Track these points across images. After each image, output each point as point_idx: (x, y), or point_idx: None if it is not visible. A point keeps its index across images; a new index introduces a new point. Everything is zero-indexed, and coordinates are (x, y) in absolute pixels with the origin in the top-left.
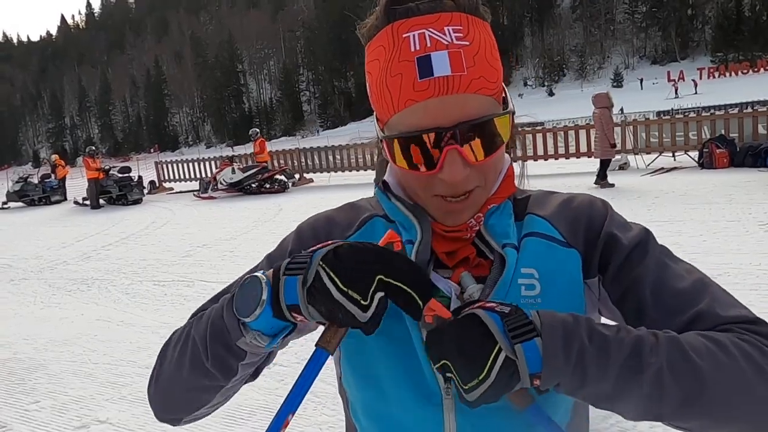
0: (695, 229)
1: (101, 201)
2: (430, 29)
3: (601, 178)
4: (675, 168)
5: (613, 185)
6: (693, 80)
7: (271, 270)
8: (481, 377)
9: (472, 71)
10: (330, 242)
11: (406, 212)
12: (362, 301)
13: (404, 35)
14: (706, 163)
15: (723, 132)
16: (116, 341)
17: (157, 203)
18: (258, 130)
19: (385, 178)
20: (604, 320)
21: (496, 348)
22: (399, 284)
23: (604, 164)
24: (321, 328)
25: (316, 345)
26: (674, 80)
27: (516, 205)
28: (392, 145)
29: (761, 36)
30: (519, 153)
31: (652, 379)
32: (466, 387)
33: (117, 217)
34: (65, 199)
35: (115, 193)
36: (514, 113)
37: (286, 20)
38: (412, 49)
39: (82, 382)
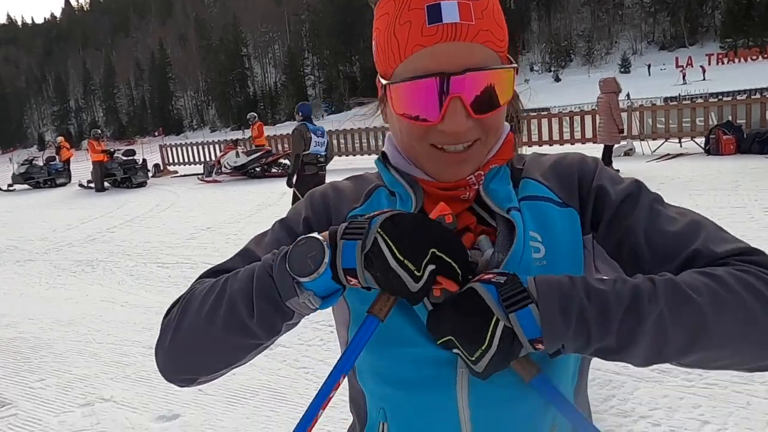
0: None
1: (106, 184)
2: None
3: (606, 164)
4: (681, 154)
5: (618, 171)
6: (701, 66)
7: (327, 232)
8: (483, 347)
9: (480, 23)
10: (387, 210)
11: (404, 183)
12: (416, 272)
13: None
14: (712, 149)
15: (730, 118)
16: (120, 321)
17: (161, 186)
18: (255, 114)
19: (384, 148)
20: (601, 275)
21: (494, 319)
22: (450, 260)
23: (609, 150)
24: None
25: (367, 312)
26: (682, 66)
27: (513, 172)
28: (396, 91)
29: None
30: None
31: (653, 325)
32: (473, 358)
33: (121, 199)
34: (70, 181)
35: (119, 176)
36: (517, 70)
37: (291, 3)
38: (423, 7)
39: (87, 361)
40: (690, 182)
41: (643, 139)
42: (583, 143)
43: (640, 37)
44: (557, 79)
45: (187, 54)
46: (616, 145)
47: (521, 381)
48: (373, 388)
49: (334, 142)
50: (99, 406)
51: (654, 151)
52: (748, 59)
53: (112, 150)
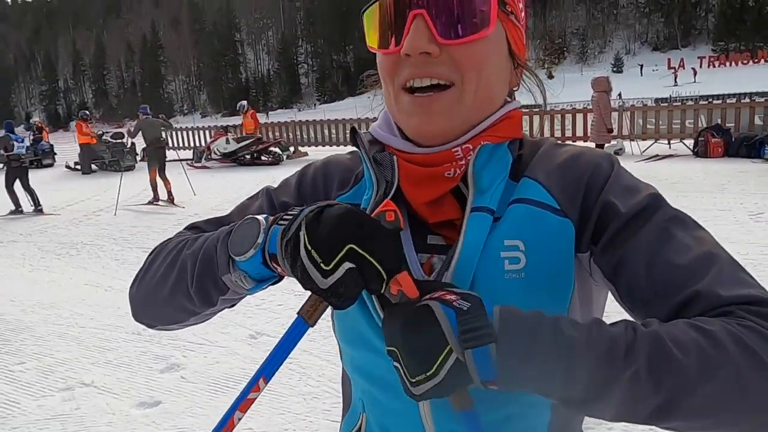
0: None
1: (93, 166)
2: None
3: None
4: (670, 155)
5: None
6: (693, 68)
7: (273, 217)
8: (429, 374)
9: None
10: (326, 201)
11: (371, 170)
12: (323, 265)
13: None
14: (700, 151)
15: (719, 121)
16: (103, 306)
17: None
18: (245, 102)
19: (375, 123)
20: (598, 298)
21: (447, 348)
22: (367, 255)
23: (599, 149)
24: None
25: (297, 313)
26: (674, 68)
27: (518, 161)
28: (366, 21)
29: (763, 27)
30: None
31: (627, 383)
32: (413, 380)
33: (108, 183)
34: (55, 162)
35: (107, 158)
36: (516, 25)
37: None
38: None
39: (68, 345)
40: (677, 183)
41: (633, 139)
42: (573, 141)
43: (633, 37)
44: (550, 76)
45: (180, 37)
46: (606, 145)
47: (486, 392)
48: (355, 378)
49: (326, 131)
50: (79, 390)
51: (644, 152)
52: (739, 63)
53: (100, 132)
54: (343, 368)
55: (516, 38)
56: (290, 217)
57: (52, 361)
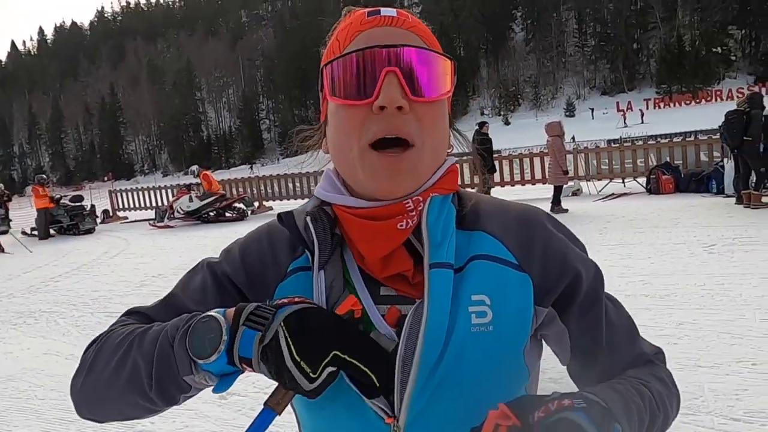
0: (644, 251)
1: (51, 231)
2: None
3: (555, 204)
4: (625, 193)
5: (566, 210)
6: (640, 110)
7: (233, 310)
8: None
9: (417, 26)
10: (297, 299)
11: (310, 237)
12: (311, 374)
13: (359, 11)
14: (653, 188)
15: (668, 159)
16: (65, 375)
17: (110, 233)
18: (197, 166)
19: (317, 188)
20: (540, 344)
21: None
22: (355, 362)
23: (557, 190)
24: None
25: (264, 404)
26: (623, 110)
27: (466, 212)
28: (332, 70)
29: (701, 69)
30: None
31: (658, 428)
32: None
33: (67, 247)
34: (9, 229)
35: (66, 222)
36: (455, 67)
37: (246, 49)
38: (365, 9)
39: (27, 419)
40: (634, 220)
41: (589, 180)
42: (533, 184)
43: (582, 82)
44: (507, 123)
45: (139, 98)
46: (564, 186)
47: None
48: None
49: (289, 185)
50: None
51: (600, 191)
52: (682, 104)
53: (58, 196)
54: None
55: (450, 102)
56: (261, 319)
57: None
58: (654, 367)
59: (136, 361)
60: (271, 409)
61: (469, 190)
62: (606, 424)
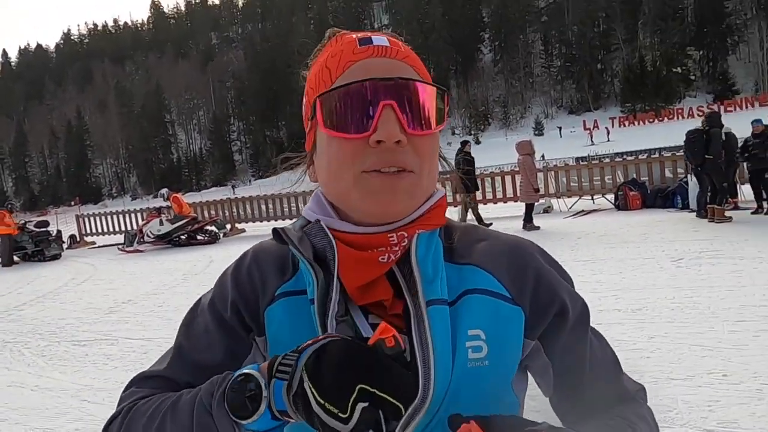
0: (615, 267)
1: (15, 258)
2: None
3: (527, 222)
4: (594, 210)
5: (538, 228)
6: (606, 128)
7: (266, 363)
8: None
9: (409, 56)
10: (322, 337)
11: (305, 260)
12: (341, 414)
13: (347, 36)
14: (621, 205)
15: (635, 176)
16: (30, 408)
17: (77, 258)
18: (167, 189)
19: (305, 209)
20: (526, 377)
21: None
22: (378, 392)
23: (529, 208)
24: None
25: None
26: (589, 128)
27: (455, 245)
28: (326, 103)
29: (662, 89)
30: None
31: None
32: None
33: (32, 274)
34: None
35: (30, 248)
36: (447, 97)
37: (216, 71)
38: (354, 36)
39: None
40: (604, 236)
41: (559, 197)
42: (504, 202)
43: (550, 102)
44: (477, 142)
45: (107, 121)
46: (536, 204)
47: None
48: None
49: (262, 207)
50: None
51: (570, 208)
52: (646, 122)
53: (22, 222)
54: None
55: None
56: (286, 368)
57: None
58: (638, 406)
59: None
60: None
61: (455, 220)
62: None
